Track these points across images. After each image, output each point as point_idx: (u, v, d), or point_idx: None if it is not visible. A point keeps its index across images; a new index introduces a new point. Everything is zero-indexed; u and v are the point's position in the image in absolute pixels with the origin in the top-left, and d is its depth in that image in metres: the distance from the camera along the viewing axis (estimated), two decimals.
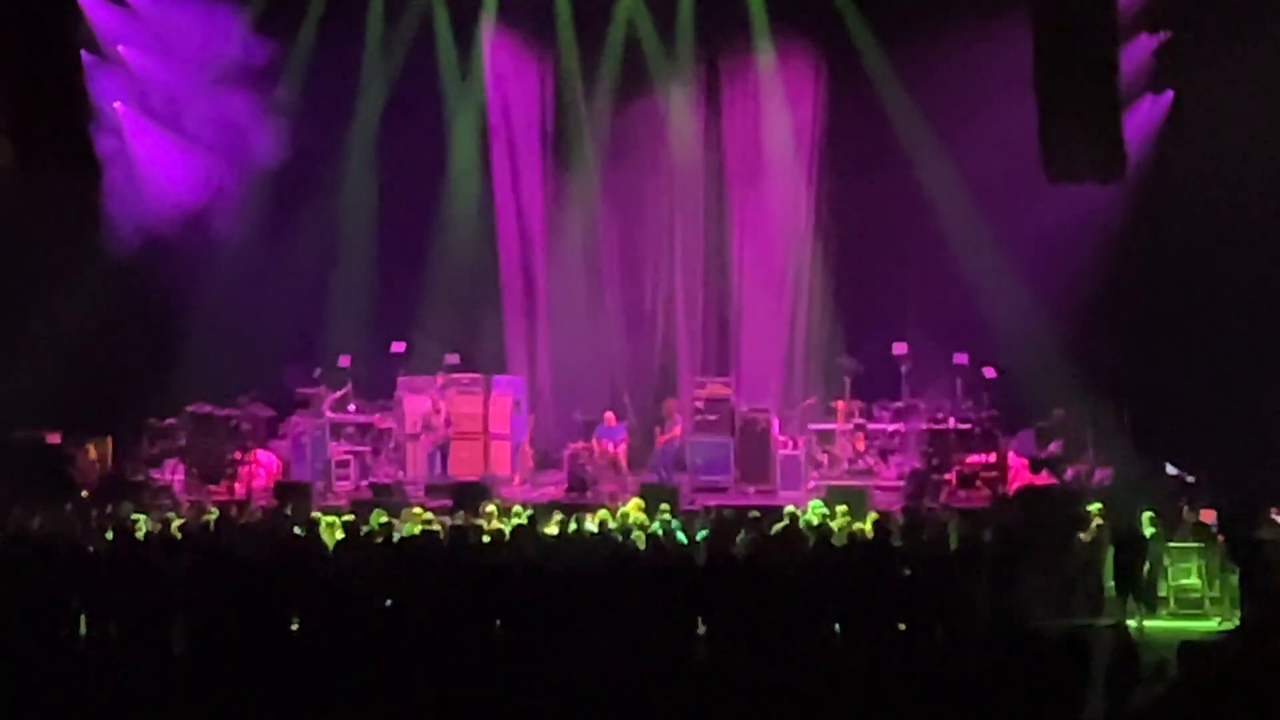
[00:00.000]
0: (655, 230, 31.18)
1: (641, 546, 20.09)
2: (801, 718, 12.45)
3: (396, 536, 20.63)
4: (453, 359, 29.43)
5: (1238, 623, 19.61)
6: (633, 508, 23.20)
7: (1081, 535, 21.63)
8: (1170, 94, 27.42)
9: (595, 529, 21.41)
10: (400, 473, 28.56)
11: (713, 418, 28.23)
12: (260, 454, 28.29)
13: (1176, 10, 26.85)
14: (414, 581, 17.92)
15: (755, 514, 22.58)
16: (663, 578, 17.68)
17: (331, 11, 30.16)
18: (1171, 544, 21.88)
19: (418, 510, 23.25)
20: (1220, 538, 21.61)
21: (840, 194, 30.26)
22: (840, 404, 28.76)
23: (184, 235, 29.41)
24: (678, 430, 28.52)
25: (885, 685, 13.42)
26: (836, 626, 17.80)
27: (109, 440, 28.45)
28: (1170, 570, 21.72)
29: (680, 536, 21.47)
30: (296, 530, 21.75)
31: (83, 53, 27.47)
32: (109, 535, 21.26)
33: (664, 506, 22.89)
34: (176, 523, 22.41)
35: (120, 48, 29.29)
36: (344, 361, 29.23)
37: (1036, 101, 25.63)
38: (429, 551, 19.43)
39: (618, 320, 31.13)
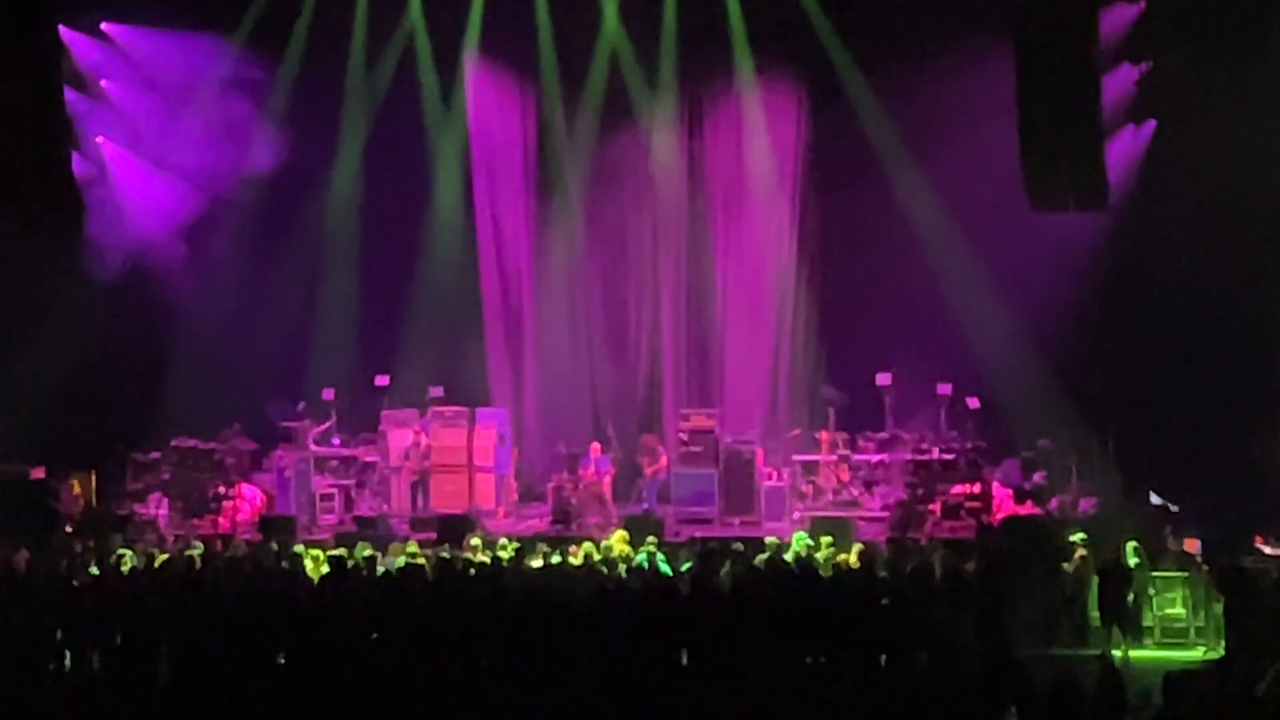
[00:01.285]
0: (639, 261, 31.17)
1: (626, 578, 20.08)
2: None
3: (381, 570, 20.60)
4: (437, 392, 29.43)
5: (1222, 652, 19.58)
6: (617, 540, 23.20)
7: (1066, 565, 21.62)
8: (1152, 123, 27.50)
9: (580, 561, 21.39)
10: (385, 506, 28.52)
11: (697, 449, 28.20)
12: (244, 488, 28.25)
13: (1158, 41, 26.93)
14: (399, 615, 17.91)
15: (740, 545, 22.55)
16: (647, 610, 17.68)
17: (313, 43, 30.12)
18: (1156, 573, 21.87)
19: (402, 543, 23.25)
20: (1205, 567, 21.60)
21: (824, 223, 30.29)
22: (824, 435, 28.71)
23: (167, 270, 29.49)
24: (664, 462, 28.45)
25: (870, 716, 13.44)
26: (821, 658, 17.80)
27: (92, 475, 28.37)
28: (1155, 600, 21.69)
29: (665, 568, 21.43)
30: (281, 564, 21.72)
31: (66, 88, 27.53)
32: (94, 569, 21.20)
33: (649, 539, 22.90)
34: (161, 557, 22.35)
35: (104, 82, 29.35)
36: (328, 395, 29.24)
37: (1019, 130, 25.72)
38: (414, 585, 19.40)
39: (602, 352, 31.13)
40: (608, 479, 28.09)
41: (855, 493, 28.24)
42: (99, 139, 29.25)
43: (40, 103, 26.65)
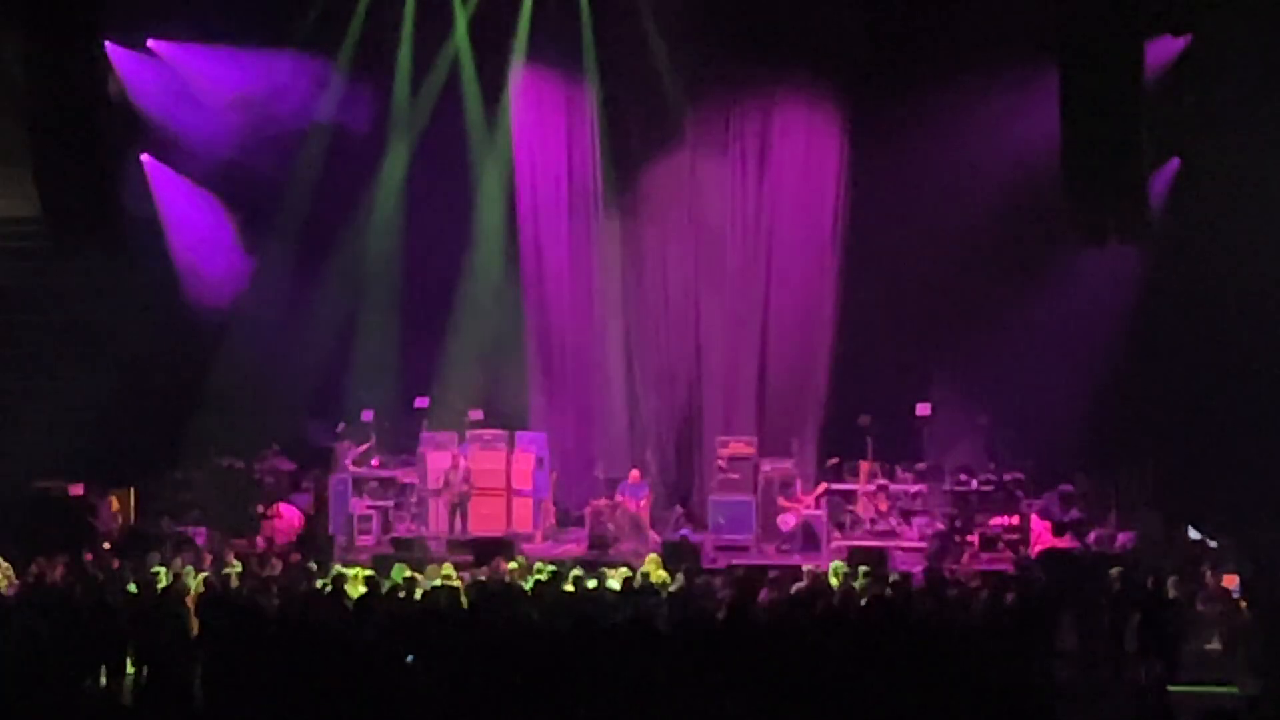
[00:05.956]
0: (680, 286, 31.13)
1: (662, 605, 20.04)
2: None
3: (418, 592, 20.61)
4: (476, 415, 29.43)
5: (1260, 689, 19.47)
6: (653, 565, 23.15)
7: (1104, 599, 21.51)
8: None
9: (617, 586, 21.34)
10: (422, 528, 28.51)
11: (735, 476, 28.17)
12: (283, 508, 28.30)
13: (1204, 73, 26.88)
14: (435, 637, 17.90)
15: (776, 573, 22.49)
16: (683, 636, 17.63)
17: (358, 63, 30.16)
18: (1195, 608, 21.75)
19: (439, 566, 23.23)
20: (1243, 602, 21.49)
21: (865, 251, 30.19)
22: (863, 464, 28.65)
23: (208, 288, 29.57)
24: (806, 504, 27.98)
25: None
26: (856, 687, 17.73)
27: (131, 492, 28.49)
28: (1193, 635, 21.58)
29: (698, 595, 21.35)
30: (318, 584, 21.72)
31: (111, 105, 27.59)
32: (131, 587, 21.22)
33: (685, 565, 22.86)
34: (199, 576, 22.37)
35: (149, 98, 29.35)
36: (367, 416, 29.27)
37: (1062, 160, 25.66)
38: (450, 607, 19.40)
39: (642, 377, 31.09)
40: (645, 504, 28.08)
41: (893, 523, 28.15)
42: (143, 156, 29.33)
43: (85, 119, 26.77)
